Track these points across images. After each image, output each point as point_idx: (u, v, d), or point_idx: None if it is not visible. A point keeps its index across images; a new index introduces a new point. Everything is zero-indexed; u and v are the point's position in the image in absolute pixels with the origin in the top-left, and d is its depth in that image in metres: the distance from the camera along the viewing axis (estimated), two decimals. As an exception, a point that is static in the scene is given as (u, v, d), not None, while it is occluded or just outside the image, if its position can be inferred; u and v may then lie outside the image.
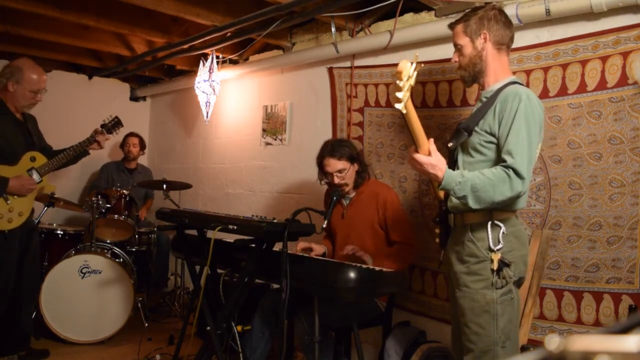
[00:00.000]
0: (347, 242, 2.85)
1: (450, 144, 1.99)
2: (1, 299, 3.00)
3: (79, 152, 3.27)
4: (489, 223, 1.89)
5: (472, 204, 1.81)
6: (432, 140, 1.90)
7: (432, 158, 1.85)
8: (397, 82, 1.69)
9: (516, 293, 1.94)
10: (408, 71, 1.68)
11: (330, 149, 2.85)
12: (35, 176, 3.08)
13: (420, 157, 1.86)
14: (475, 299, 1.90)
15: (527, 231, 2.08)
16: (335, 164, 2.81)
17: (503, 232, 1.87)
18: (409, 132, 1.87)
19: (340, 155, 2.80)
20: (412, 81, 1.71)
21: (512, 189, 1.77)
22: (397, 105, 1.72)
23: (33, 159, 3.11)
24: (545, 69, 2.56)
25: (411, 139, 1.91)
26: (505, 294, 1.88)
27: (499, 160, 1.86)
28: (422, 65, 1.76)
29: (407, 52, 3.17)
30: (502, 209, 1.90)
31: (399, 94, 1.71)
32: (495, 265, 1.85)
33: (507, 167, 1.79)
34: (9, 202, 2.97)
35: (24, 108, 3.14)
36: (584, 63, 2.43)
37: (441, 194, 2.09)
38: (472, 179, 1.80)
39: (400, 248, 2.75)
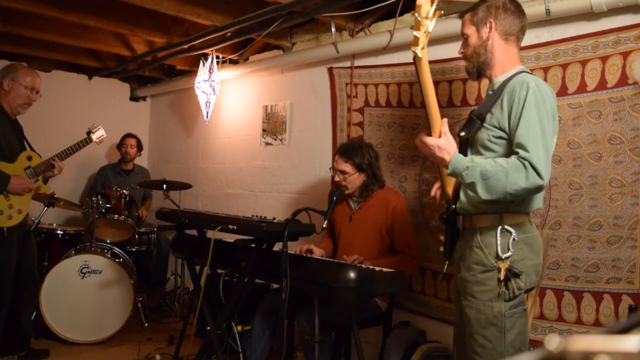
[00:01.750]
0: (353, 245, 2.84)
1: (462, 133, 1.85)
2: (2, 300, 3.01)
3: (69, 155, 3.31)
4: (499, 228, 1.76)
5: (482, 193, 1.67)
6: (445, 120, 1.79)
7: (441, 140, 1.75)
8: (417, 16, 1.56)
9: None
10: (427, 8, 1.57)
11: (345, 148, 2.85)
12: (32, 175, 3.10)
13: (427, 139, 1.76)
14: (481, 311, 1.78)
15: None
16: (339, 164, 2.82)
17: (514, 239, 1.74)
18: (422, 97, 1.75)
19: (348, 159, 2.78)
20: (429, 27, 1.59)
21: (527, 179, 1.62)
22: (414, 48, 1.62)
23: (30, 158, 3.13)
24: (545, 69, 2.56)
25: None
26: (516, 306, 1.77)
27: (510, 156, 1.72)
28: (442, 13, 1.68)
29: (407, 52, 3.17)
30: (515, 211, 1.78)
31: (416, 33, 1.59)
32: (502, 275, 1.72)
33: (522, 158, 1.64)
34: (8, 199, 2.98)
35: (19, 108, 3.16)
36: (584, 63, 2.43)
37: (450, 190, 1.97)
38: (483, 165, 1.68)
39: (402, 258, 2.73)
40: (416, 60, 1.69)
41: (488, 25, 1.85)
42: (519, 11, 1.89)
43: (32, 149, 3.22)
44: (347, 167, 2.79)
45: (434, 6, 1.60)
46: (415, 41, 1.63)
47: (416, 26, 1.62)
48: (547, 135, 1.69)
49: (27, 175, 3.08)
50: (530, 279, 1.79)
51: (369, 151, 2.84)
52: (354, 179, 2.80)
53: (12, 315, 3.12)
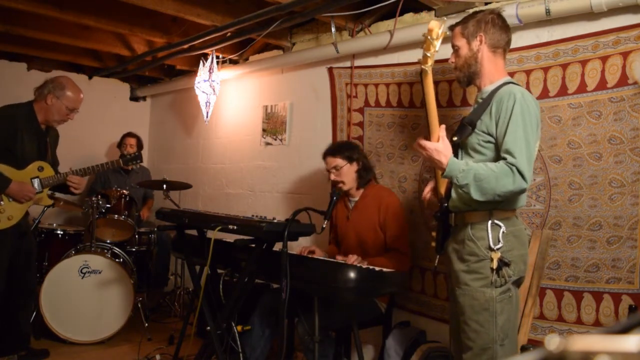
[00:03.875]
0: (351, 244, 2.86)
1: (454, 138, 2.02)
2: None
3: (90, 173, 3.29)
4: (489, 222, 1.92)
5: (474, 193, 1.83)
6: (443, 126, 1.96)
7: (438, 144, 1.91)
8: (429, 38, 1.79)
9: (515, 292, 1.97)
10: (437, 31, 1.80)
11: (330, 148, 2.97)
12: (37, 186, 3.09)
13: (425, 142, 1.93)
14: (475, 297, 1.92)
15: (527, 231, 2.09)
16: (330, 161, 2.91)
17: (503, 232, 1.90)
18: (425, 106, 1.97)
19: (337, 154, 2.90)
20: (437, 46, 1.83)
21: (514, 182, 1.80)
22: (424, 66, 1.84)
23: (41, 169, 3.12)
24: (545, 69, 2.56)
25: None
26: (504, 292, 1.91)
27: (498, 159, 1.89)
28: (447, 33, 1.93)
29: (407, 52, 3.18)
30: (503, 208, 1.93)
31: (428, 53, 1.83)
32: (494, 264, 1.88)
33: (510, 164, 1.82)
34: (1, 203, 2.97)
35: (54, 123, 3.21)
36: (584, 63, 2.43)
37: (442, 190, 2.11)
38: (476, 169, 1.84)
39: (393, 256, 2.75)
40: (423, 75, 1.93)
41: (478, 38, 2.01)
42: (506, 26, 2.06)
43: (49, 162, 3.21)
44: (337, 161, 2.89)
45: (442, 28, 1.87)
46: (425, 60, 1.88)
47: (427, 46, 1.86)
48: (531, 143, 1.86)
49: (31, 184, 3.07)
50: (519, 268, 1.95)
51: (355, 146, 3.04)
52: (347, 170, 2.87)
53: (10, 315, 3.11)
